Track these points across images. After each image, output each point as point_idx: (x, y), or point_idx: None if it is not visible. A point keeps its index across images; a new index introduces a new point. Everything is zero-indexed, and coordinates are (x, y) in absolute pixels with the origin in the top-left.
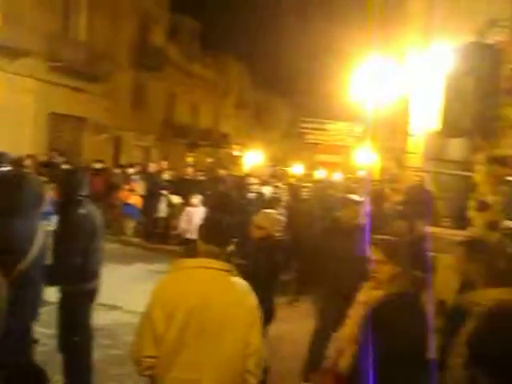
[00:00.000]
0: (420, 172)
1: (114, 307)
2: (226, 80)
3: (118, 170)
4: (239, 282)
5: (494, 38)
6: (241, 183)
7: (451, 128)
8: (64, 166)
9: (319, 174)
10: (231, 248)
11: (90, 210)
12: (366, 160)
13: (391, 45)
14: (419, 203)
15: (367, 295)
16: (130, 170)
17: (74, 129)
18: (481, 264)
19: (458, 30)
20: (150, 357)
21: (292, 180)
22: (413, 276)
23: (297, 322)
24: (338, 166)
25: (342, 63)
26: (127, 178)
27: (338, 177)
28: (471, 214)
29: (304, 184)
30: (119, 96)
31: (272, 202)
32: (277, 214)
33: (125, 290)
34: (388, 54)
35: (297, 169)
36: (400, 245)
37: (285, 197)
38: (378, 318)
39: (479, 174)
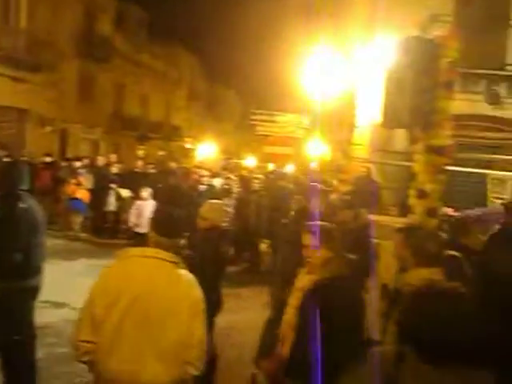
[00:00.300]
0: (366, 163)
1: (60, 304)
2: (177, 71)
3: (64, 164)
4: (185, 273)
5: (435, 32)
6: (191, 176)
7: (391, 120)
8: (5, 160)
9: (271, 165)
10: (182, 241)
11: (31, 205)
12: (316, 152)
13: (339, 35)
14: (366, 193)
15: (302, 281)
16: (77, 164)
17: (15, 121)
18: (413, 247)
19: (401, 22)
20: (87, 341)
21: (244, 172)
22: (347, 260)
23: (246, 312)
24: (288, 158)
25: (292, 54)
26: (74, 172)
27: (290, 169)
28: (412, 201)
29: (255, 176)
30: (64, 87)
31: (223, 194)
32: (222, 205)
33: (71, 287)
34: (336, 44)
35: (250, 161)
36: (332, 230)
37: (236, 188)
38: (311, 302)
39: (418, 164)
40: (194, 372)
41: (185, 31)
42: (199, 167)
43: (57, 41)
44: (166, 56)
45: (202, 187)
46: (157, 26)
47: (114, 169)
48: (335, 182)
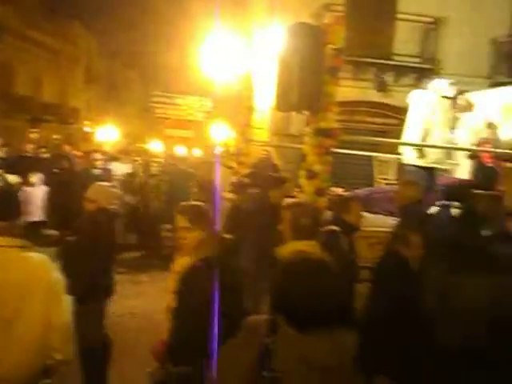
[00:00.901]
0: (266, 146)
1: None
2: (74, 50)
3: None
4: (34, 257)
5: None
6: (86, 159)
7: (283, 103)
8: None
9: (175, 150)
10: (22, 220)
11: None
12: (218, 135)
13: (239, 18)
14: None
15: (178, 264)
16: None
17: None
18: (290, 222)
19: (298, 9)
20: None
21: (146, 156)
22: (222, 239)
23: (144, 297)
24: (189, 141)
25: (195, 36)
26: None
27: (194, 153)
28: (302, 182)
29: (156, 159)
30: None
31: (127, 178)
32: (110, 187)
33: None
34: (236, 27)
35: (154, 145)
36: (204, 210)
37: (141, 173)
38: (185, 285)
39: (307, 146)
40: (60, 356)
41: (82, 8)
42: (95, 151)
43: None
44: (60, 33)
45: (97, 171)
46: (50, 1)
47: (0, 153)
48: (235, 165)
